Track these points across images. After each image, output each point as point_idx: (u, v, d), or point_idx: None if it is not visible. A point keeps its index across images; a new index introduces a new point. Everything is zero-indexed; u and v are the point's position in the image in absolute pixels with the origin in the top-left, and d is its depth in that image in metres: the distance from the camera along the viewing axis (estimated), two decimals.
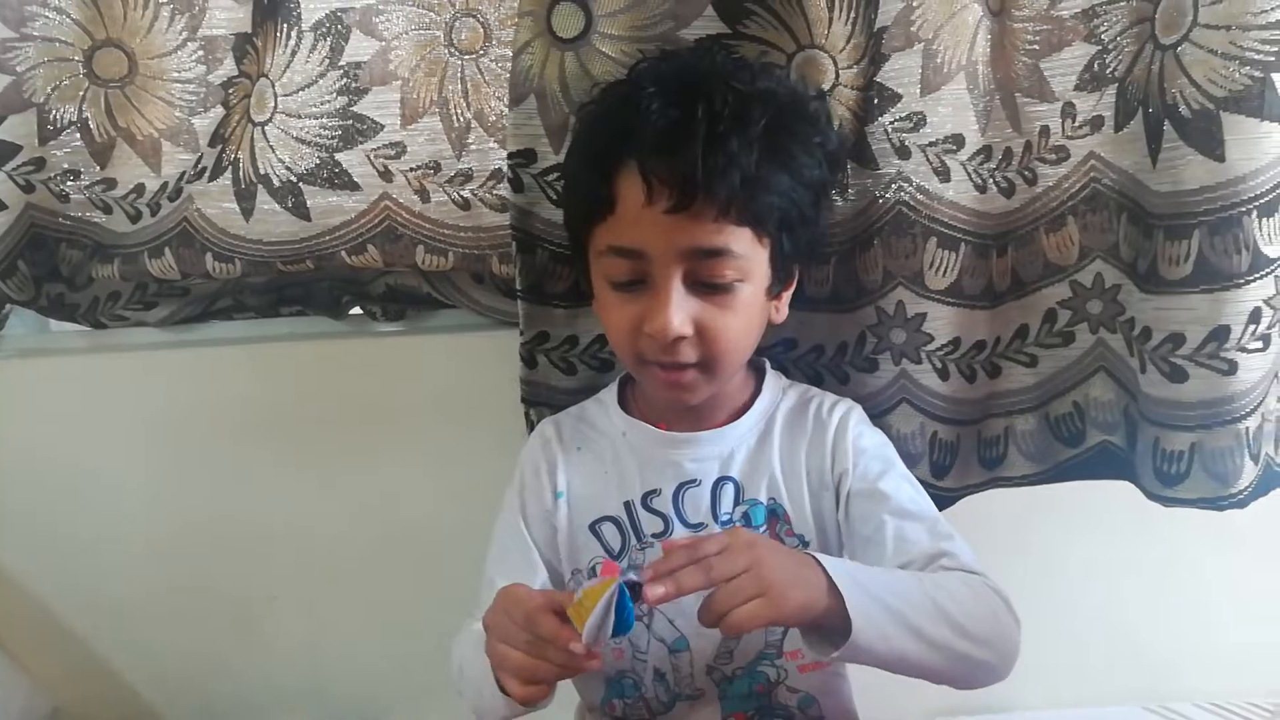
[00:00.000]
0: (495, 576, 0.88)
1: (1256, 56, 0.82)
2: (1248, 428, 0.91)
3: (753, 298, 0.82)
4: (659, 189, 0.76)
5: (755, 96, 0.79)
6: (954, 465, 1.01)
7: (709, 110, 0.76)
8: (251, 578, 1.20)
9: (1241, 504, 0.94)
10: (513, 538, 0.90)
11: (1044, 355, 1.00)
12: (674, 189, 0.75)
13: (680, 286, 0.79)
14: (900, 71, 0.90)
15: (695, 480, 0.88)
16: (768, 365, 0.94)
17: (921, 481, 0.98)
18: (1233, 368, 0.88)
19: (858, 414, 0.91)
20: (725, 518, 0.87)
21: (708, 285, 0.79)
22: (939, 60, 0.89)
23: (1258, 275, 0.86)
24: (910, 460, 0.98)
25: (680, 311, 0.78)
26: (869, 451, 0.88)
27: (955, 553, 0.81)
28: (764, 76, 0.85)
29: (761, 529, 0.87)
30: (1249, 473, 0.92)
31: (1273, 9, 0.82)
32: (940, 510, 0.99)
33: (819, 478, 0.88)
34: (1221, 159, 0.84)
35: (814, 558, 0.72)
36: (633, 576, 0.69)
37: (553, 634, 0.68)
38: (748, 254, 0.79)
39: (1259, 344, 0.88)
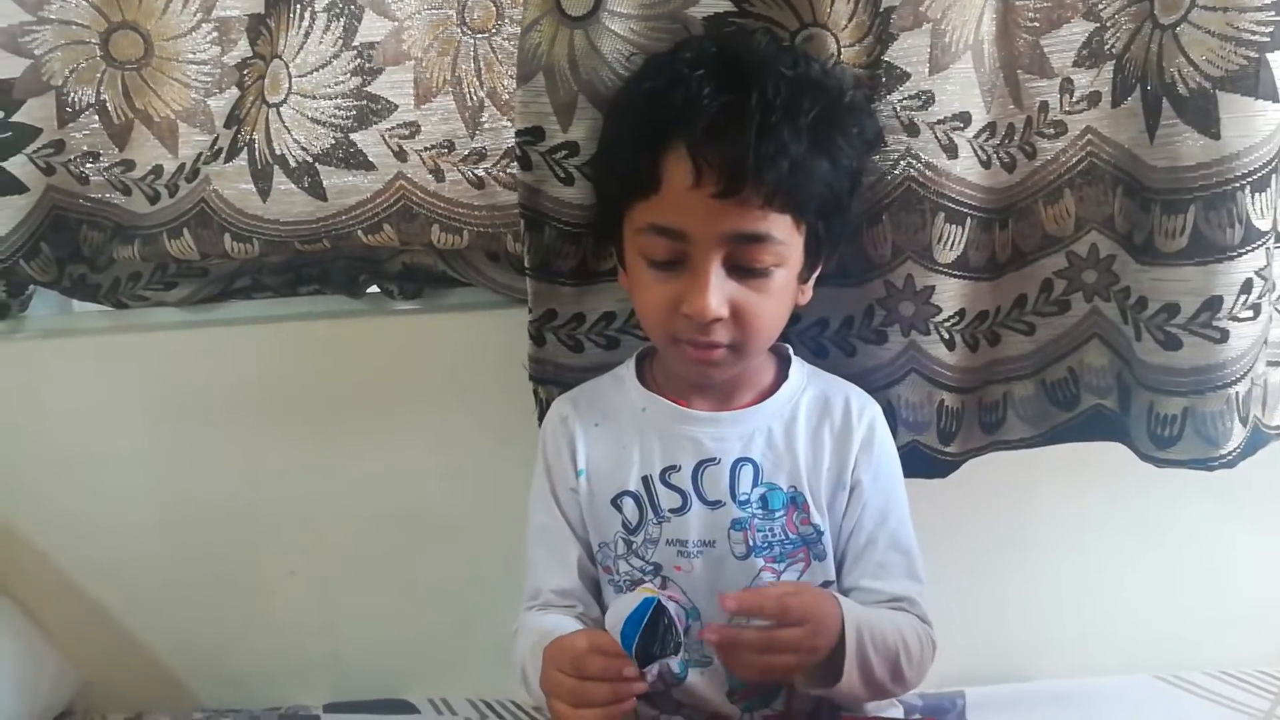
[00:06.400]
0: (536, 557, 0.92)
1: (1252, 38, 0.85)
2: (1238, 392, 0.95)
3: (787, 282, 0.84)
4: (708, 173, 0.76)
5: (805, 85, 0.81)
6: (959, 431, 1.03)
7: (762, 97, 0.77)
8: (270, 553, 1.21)
9: (1230, 464, 0.98)
10: (548, 516, 0.92)
11: (1041, 323, 1.02)
12: (723, 174, 0.76)
13: (720, 269, 0.80)
14: (908, 50, 0.91)
15: (715, 459, 0.88)
16: (791, 351, 0.94)
17: (929, 448, 1.03)
18: (1225, 336, 0.92)
19: (882, 421, 0.93)
20: (744, 498, 0.88)
21: (745, 269, 0.81)
22: (947, 39, 0.91)
23: (1250, 248, 0.90)
24: (919, 428, 1.02)
25: (718, 294, 0.79)
26: (885, 468, 0.91)
27: (918, 600, 0.88)
28: (807, 62, 0.85)
29: (779, 514, 0.88)
30: (1238, 434, 0.96)
31: None
32: (945, 476, 1.04)
33: (837, 476, 0.90)
34: (1217, 136, 0.87)
35: (838, 602, 0.79)
36: (664, 599, 0.75)
37: (602, 670, 0.74)
38: (787, 240, 0.81)
39: (1250, 313, 0.92)
